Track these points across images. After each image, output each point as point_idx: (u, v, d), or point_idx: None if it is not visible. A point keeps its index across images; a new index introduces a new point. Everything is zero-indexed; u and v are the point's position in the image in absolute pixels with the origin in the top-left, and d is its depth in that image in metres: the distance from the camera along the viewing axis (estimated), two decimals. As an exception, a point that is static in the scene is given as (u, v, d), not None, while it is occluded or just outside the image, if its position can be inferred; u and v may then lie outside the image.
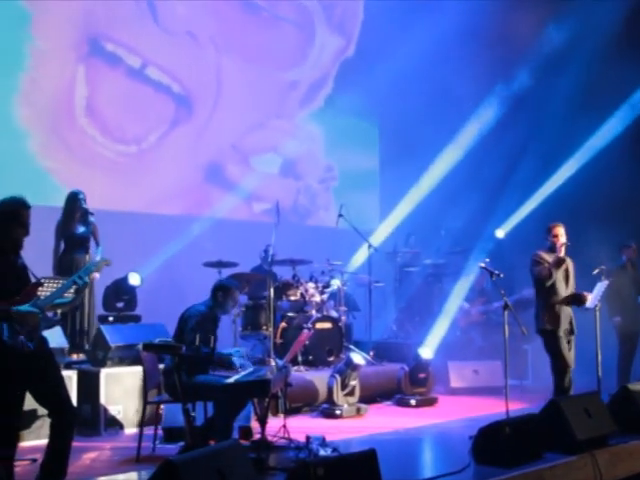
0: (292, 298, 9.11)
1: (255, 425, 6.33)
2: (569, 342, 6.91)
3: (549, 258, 6.95)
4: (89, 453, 6.00)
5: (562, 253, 6.94)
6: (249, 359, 7.62)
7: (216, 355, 5.83)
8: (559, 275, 6.96)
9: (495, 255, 9.86)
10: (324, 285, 9.40)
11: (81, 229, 7.88)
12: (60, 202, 7.97)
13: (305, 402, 7.94)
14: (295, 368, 8.30)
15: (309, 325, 8.47)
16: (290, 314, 9.03)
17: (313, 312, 9.05)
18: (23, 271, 4.39)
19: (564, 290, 6.99)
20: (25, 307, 4.21)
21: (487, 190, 11.07)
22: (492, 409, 7.47)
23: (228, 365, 5.78)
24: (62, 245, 7.86)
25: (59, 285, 4.49)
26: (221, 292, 6.05)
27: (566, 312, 6.95)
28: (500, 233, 10.50)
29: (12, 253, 4.33)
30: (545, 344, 6.94)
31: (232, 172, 10.94)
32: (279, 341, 8.77)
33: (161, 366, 6.22)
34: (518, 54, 10.95)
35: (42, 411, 5.90)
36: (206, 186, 10.69)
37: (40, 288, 4.35)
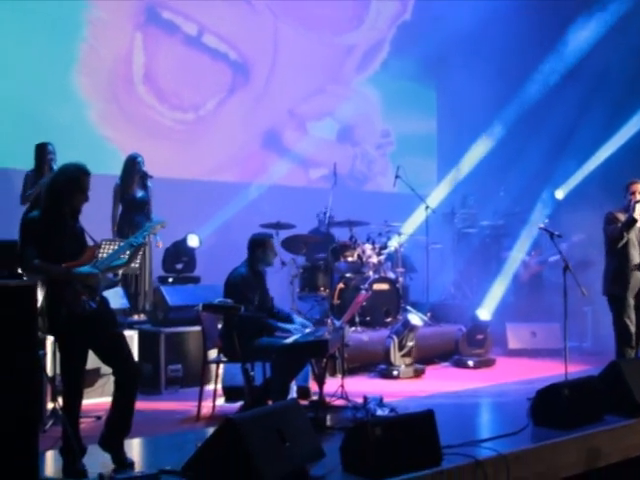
0: (349, 259, 9.03)
1: (313, 385, 6.34)
2: (637, 308, 6.66)
3: (623, 218, 6.63)
4: (150, 411, 6.04)
5: (636, 213, 6.53)
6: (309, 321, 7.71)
7: (272, 324, 5.80)
8: (632, 237, 6.65)
9: (555, 216, 9.81)
10: (381, 246, 9.34)
11: (140, 193, 7.83)
12: (119, 169, 7.93)
13: (362, 363, 7.92)
14: (352, 329, 8.24)
15: (366, 286, 8.40)
16: (347, 275, 8.98)
17: (370, 273, 9.00)
18: (81, 235, 4.41)
19: (637, 254, 6.67)
20: (85, 268, 4.23)
21: (547, 149, 10.77)
22: (550, 371, 7.40)
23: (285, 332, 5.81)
24: (120, 208, 7.85)
25: (117, 247, 4.53)
26: (260, 248, 6.00)
27: (637, 277, 6.69)
28: (560, 194, 10.32)
29: (71, 218, 4.35)
30: (611, 308, 6.72)
31: (289, 138, 10.88)
32: (336, 302, 8.77)
33: (219, 326, 6.18)
34: (581, 8, 10.70)
35: (105, 370, 6.09)
36: (263, 153, 10.65)
37: (98, 250, 4.39)
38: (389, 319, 8.79)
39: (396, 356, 7.64)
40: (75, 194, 4.27)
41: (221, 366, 6.28)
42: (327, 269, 8.86)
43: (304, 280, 9.04)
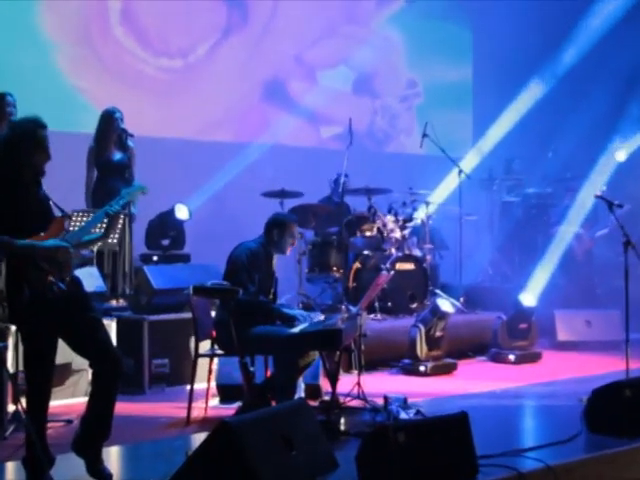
0: (367, 234, 9.02)
1: (324, 383, 6.34)
2: None
3: None
4: (132, 414, 6.00)
5: None
6: (317, 308, 7.69)
7: (276, 310, 5.85)
8: None
9: (614, 183, 9.78)
10: (405, 218, 9.28)
11: (118, 155, 7.81)
12: (93, 127, 7.89)
13: (383, 357, 7.92)
14: (371, 316, 8.25)
15: (387, 266, 8.33)
16: (365, 253, 8.96)
17: (392, 250, 8.98)
18: (46, 204, 4.36)
19: None
20: (52, 241, 4.19)
21: (606, 103, 10.78)
22: (608, 367, 7.37)
23: (290, 322, 5.77)
24: (95, 173, 7.84)
25: (90, 218, 4.51)
26: (277, 229, 6.03)
27: None
28: (620, 155, 10.31)
29: (32, 183, 4.32)
30: None
31: (295, 90, 10.87)
32: (352, 285, 8.75)
33: (213, 314, 6.21)
34: None
35: (77, 364, 6.22)
36: (265, 107, 10.63)
37: (69, 221, 4.44)
38: (415, 305, 8.79)
39: (423, 349, 7.63)
40: (34, 152, 4.22)
41: (215, 360, 6.25)
42: (341, 246, 8.85)
43: (313, 259, 9.04)
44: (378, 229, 9.03)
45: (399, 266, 8.75)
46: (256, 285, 5.87)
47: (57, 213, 4.38)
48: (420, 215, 9.54)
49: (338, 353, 5.90)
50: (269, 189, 9.09)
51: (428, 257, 9.45)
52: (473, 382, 7.33)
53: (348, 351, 6.51)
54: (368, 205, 9.29)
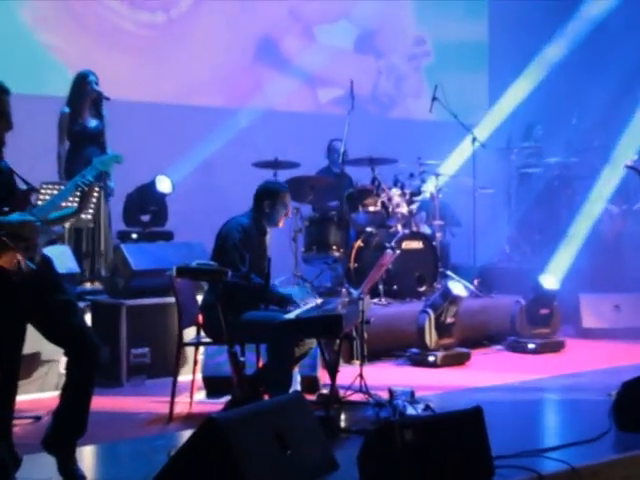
0: (371, 209, 9.00)
1: (323, 375, 6.41)
2: None
3: None
4: (108, 409, 6.00)
5: None
6: (314, 292, 7.75)
7: (271, 292, 5.83)
8: None
9: None
10: (413, 192, 9.29)
11: (93, 122, 7.88)
12: (65, 91, 7.90)
13: (388, 345, 7.97)
14: (375, 301, 8.23)
15: (393, 244, 8.36)
16: (368, 230, 8.99)
17: (398, 227, 9.01)
18: (8, 176, 4.33)
19: None
20: (16, 216, 4.15)
21: (636, 63, 10.86)
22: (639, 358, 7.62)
23: (286, 304, 5.81)
24: (68, 143, 7.86)
25: (59, 191, 4.43)
26: (267, 200, 6.09)
27: None
28: (654, 120, 10.71)
29: None
30: None
31: (290, 48, 10.84)
32: (353, 265, 8.79)
33: (200, 297, 6.21)
34: None
35: (47, 355, 6.25)
36: (256, 67, 10.61)
37: (37, 195, 4.32)
38: (423, 288, 8.84)
39: (432, 337, 7.64)
40: None
41: (201, 350, 6.30)
42: (341, 222, 8.87)
43: (311, 236, 9.00)
44: (382, 204, 9.01)
45: (406, 245, 8.74)
46: (247, 265, 5.87)
47: (23, 187, 4.32)
48: (429, 188, 9.51)
49: (338, 341, 5.89)
50: (261, 159, 9.04)
51: (438, 235, 9.44)
52: (488, 374, 7.33)
53: (349, 339, 6.53)
54: (372, 177, 9.22)
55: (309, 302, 5.93)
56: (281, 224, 6.28)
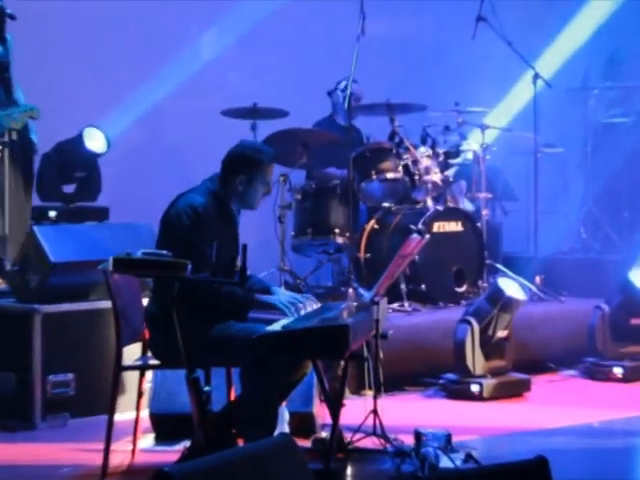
0: (389, 176, 8.81)
1: (321, 411, 6.39)
2: None
3: None
4: (16, 461, 5.89)
5: None
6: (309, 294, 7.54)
7: (247, 296, 5.74)
8: None
9: None
10: (449, 152, 9.14)
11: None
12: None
13: (413, 369, 7.87)
14: (395, 306, 8.18)
15: (420, 226, 8.32)
16: (385, 206, 8.94)
17: (428, 202, 8.86)
18: None
19: None
20: None
21: None
22: None
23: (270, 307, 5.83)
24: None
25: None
26: (243, 174, 5.91)
27: None
28: None
29: None
30: None
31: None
32: (364, 256, 8.76)
33: (146, 301, 6.10)
34: None
35: None
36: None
37: None
38: (463, 288, 8.77)
39: (476, 357, 7.56)
40: None
41: (149, 376, 6.25)
42: (347, 195, 8.60)
43: (304, 215, 8.90)
44: (406, 169, 8.80)
45: (439, 227, 8.65)
46: (211, 258, 5.51)
47: None
48: (472, 146, 9.34)
49: (343, 364, 5.93)
50: (233, 105, 8.91)
51: (485, 213, 9.35)
52: (556, 410, 7.30)
53: (358, 360, 6.49)
54: (390, 131, 9.12)
55: (306, 307, 5.82)
56: (256, 207, 6.12)
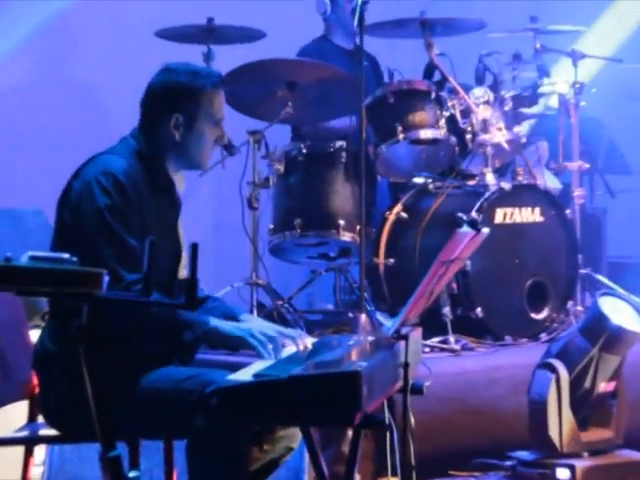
0: (425, 135, 8.54)
1: None
2: None
3: None
4: None
5: None
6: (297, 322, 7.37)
7: (217, 329, 5.63)
8: None
9: None
10: (520, 96, 8.83)
11: None
12: None
13: (462, 443, 7.62)
14: (434, 342, 8.03)
15: (475, 215, 8.04)
16: (419, 182, 8.63)
17: (488, 176, 8.59)
18: None
19: None
20: None
21: None
22: None
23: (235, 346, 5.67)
24: None
25: None
26: (177, 112, 5.77)
27: None
28: None
29: None
30: None
31: None
32: (385, 262, 8.57)
33: (35, 335, 5.81)
34: None
35: None
36: None
37: None
38: (543, 314, 8.54)
39: (565, 425, 7.27)
40: None
41: (40, 454, 6.32)
42: (356, 165, 8.29)
43: (288, 198, 8.81)
44: (451, 123, 8.56)
45: (505, 215, 8.46)
46: (142, 261, 5.37)
47: None
48: (558, 87, 9.04)
49: (351, 435, 5.77)
50: (175, 23, 8.77)
51: (579, 193, 8.95)
52: None
53: (376, 429, 6.28)
54: (427, 63, 8.81)
55: (286, 343, 5.64)
56: (206, 162, 5.94)
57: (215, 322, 5.71)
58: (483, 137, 8.71)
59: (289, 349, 5.72)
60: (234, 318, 5.98)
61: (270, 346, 5.70)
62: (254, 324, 5.97)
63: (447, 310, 8.23)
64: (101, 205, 5.63)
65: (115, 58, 9.76)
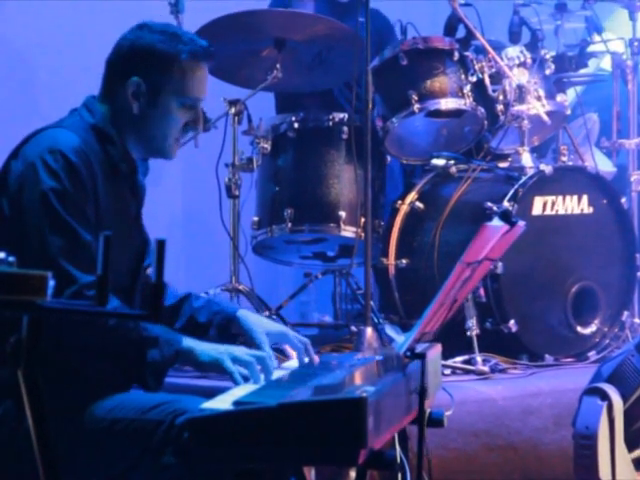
0: (446, 105, 8.47)
1: None
2: None
3: None
4: None
5: None
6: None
7: (182, 347, 5.76)
8: None
9: None
10: (565, 56, 8.83)
11: None
12: None
13: None
14: (458, 362, 8.09)
15: (507, 205, 8.03)
16: (438, 164, 8.47)
17: (524, 157, 8.51)
18: None
19: None
20: None
21: None
22: None
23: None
24: None
25: None
26: (140, 78, 5.89)
27: None
28: None
29: None
30: None
31: None
32: (397, 263, 8.63)
33: None
34: None
35: None
36: None
37: None
38: (591, 327, 8.50)
39: (619, 464, 7.38)
40: None
41: None
42: (360, 142, 8.24)
43: (276, 184, 8.86)
44: (479, 90, 8.50)
45: (545, 205, 8.34)
46: (95, 258, 5.23)
47: None
48: (612, 46, 9.03)
49: (354, 475, 6.01)
50: None
51: (636, 177, 8.84)
52: None
53: (386, 468, 6.00)
54: (449, 15, 8.65)
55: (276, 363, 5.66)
56: (170, 149, 5.95)
57: (189, 342, 5.91)
58: (518, 108, 8.71)
59: (290, 363, 5.79)
60: (229, 319, 6.28)
61: (258, 367, 5.80)
62: (257, 326, 6.28)
63: (473, 323, 8.31)
64: (47, 190, 5.75)
65: (50, 10, 9.69)
